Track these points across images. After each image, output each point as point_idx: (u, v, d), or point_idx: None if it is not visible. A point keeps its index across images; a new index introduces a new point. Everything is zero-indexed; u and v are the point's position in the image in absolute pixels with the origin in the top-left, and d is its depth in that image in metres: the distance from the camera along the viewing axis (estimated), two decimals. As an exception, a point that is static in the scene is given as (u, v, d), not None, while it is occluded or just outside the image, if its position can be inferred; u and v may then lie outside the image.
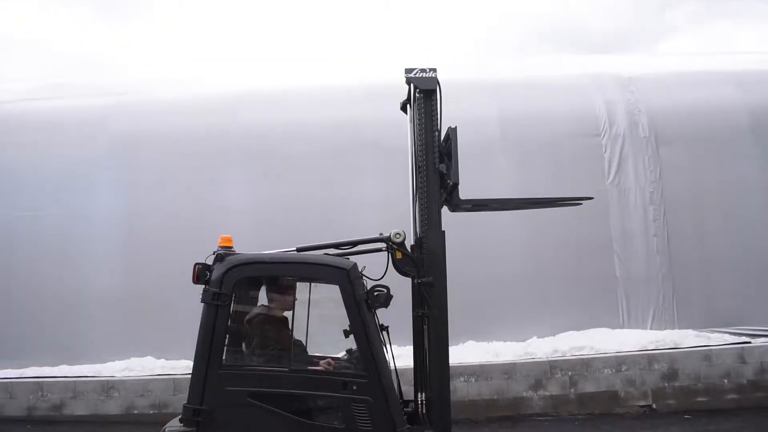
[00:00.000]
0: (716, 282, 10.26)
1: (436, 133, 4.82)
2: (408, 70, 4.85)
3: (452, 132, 4.74)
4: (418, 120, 4.86)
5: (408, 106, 5.15)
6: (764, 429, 8.09)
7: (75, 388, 9.33)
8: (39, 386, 9.37)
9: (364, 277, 4.70)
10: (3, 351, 9.78)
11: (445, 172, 4.74)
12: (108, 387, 9.31)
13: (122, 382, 9.33)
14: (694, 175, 10.52)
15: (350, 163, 10.14)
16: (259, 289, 4.97)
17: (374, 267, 4.82)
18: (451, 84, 10.64)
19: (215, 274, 4.56)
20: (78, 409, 9.26)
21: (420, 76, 4.83)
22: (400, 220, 5.08)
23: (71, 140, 10.44)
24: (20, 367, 9.69)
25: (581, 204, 5.51)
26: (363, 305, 4.53)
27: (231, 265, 4.57)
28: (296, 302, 4.77)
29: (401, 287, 4.90)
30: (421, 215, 4.82)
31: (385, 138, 9.88)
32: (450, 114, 10.20)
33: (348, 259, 4.80)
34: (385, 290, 4.64)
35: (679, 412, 9.16)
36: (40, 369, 9.65)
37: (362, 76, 11.17)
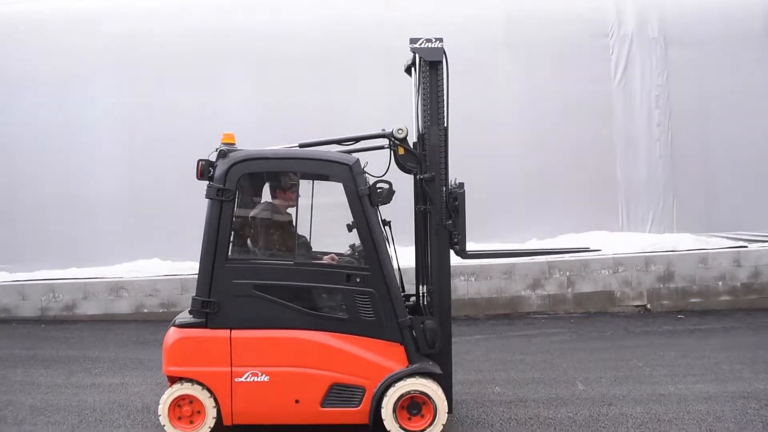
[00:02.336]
0: (717, 187, 10.29)
1: (442, 108, 4.72)
2: (413, 40, 4.71)
3: (460, 195, 4.68)
4: (423, 90, 4.75)
5: (413, 70, 5.01)
6: (754, 329, 8.35)
7: (86, 289, 9.60)
8: (50, 288, 9.63)
9: (366, 173, 4.73)
10: (12, 255, 9.96)
11: (453, 230, 4.71)
12: (118, 287, 9.57)
13: (131, 282, 9.58)
14: (703, 79, 10.31)
15: (350, 63, 9.93)
16: (262, 185, 5.03)
17: (376, 166, 4.85)
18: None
19: (219, 169, 4.61)
20: (89, 309, 9.56)
21: (425, 46, 4.68)
22: (402, 119, 5.03)
23: (66, 43, 10.18)
24: (30, 271, 9.92)
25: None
26: (365, 200, 4.59)
27: (234, 161, 4.61)
28: (299, 198, 4.83)
29: (403, 191, 4.95)
30: (423, 111, 4.78)
31: (384, 38, 9.67)
32: (454, 14, 9.96)
33: (351, 154, 4.82)
34: (388, 185, 4.69)
35: (673, 312, 9.46)
36: (49, 272, 9.88)
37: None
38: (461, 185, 4.75)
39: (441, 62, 4.71)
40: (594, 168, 10.06)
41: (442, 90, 4.73)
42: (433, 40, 4.68)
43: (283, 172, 4.91)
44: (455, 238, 4.73)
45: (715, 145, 10.31)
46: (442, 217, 4.71)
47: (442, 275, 4.76)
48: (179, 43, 10.10)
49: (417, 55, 4.79)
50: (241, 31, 10.08)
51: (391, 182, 4.72)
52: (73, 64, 10.14)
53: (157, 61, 10.06)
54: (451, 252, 4.85)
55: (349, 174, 4.59)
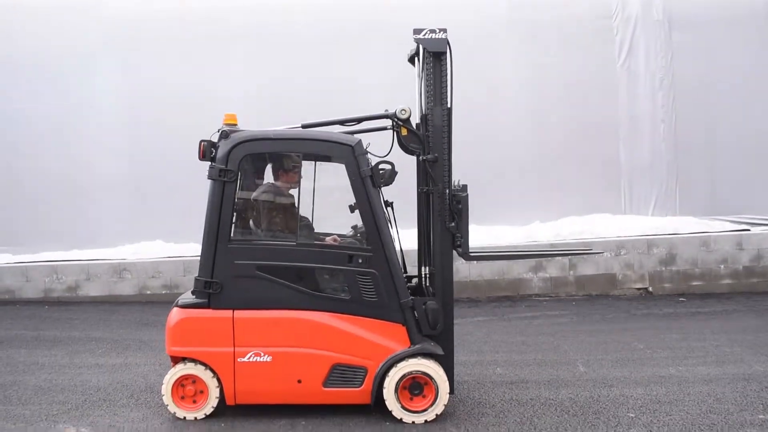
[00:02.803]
0: (720, 170, 10.25)
1: (446, 91, 4.69)
2: (416, 31, 4.65)
3: (464, 199, 4.67)
4: (427, 79, 4.72)
5: (416, 59, 4.97)
6: (755, 312, 8.36)
7: (89, 270, 9.63)
8: (54, 269, 9.67)
9: (369, 154, 4.72)
10: (15, 237, 9.99)
11: (455, 232, 4.71)
12: (120, 269, 9.60)
13: (134, 264, 9.62)
14: (707, 61, 10.24)
15: (352, 43, 9.85)
16: (265, 166, 5.01)
17: (379, 148, 4.83)
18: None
19: (221, 150, 4.59)
20: (92, 290, 9.61)
21: (429, 37, 4.64)
22: (405, 101, 4.98)
23: (67, 26, 10.12)
24: (33, 252, 9.94)
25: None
26: (368, 181, 4.58)
27: (236, 142, 4.59)
28: (302, 179, 4.81)
29: (405, 174, 4.93)
30: (426, 92, 4.75)
31: (386, 17, 9.62)
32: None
33: (353, 135, 4.80)
34: (390, 166, 4.67)
35: (675, 295, 9.48)
36: (52, 254, 9.90)
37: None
38: (464, 187, 4.73)
39: (445, 53, 4.67)
40: (597, 150, 10.03)
41: (446, 78, 4.69)
42: (437, 31, 4.63)
43: (286, 153, 4.90)
44: (458, 241, 4.73)
45: (718, 127, 10.27)
46: (445, 218, 4.71)
47: (444, 256, 4.76)
48: (180, 24, 10.04)
49: (421, 46, 4.74)
50: (243, 12, 10.01)
51: (394, 163, 4.71)
52: (74, 47, 10.09)
53: (158, 42, 10.00)
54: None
55: (351, 155, 4.58)
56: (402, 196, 5.14)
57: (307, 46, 9.88)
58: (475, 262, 9.39)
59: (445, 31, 4.63)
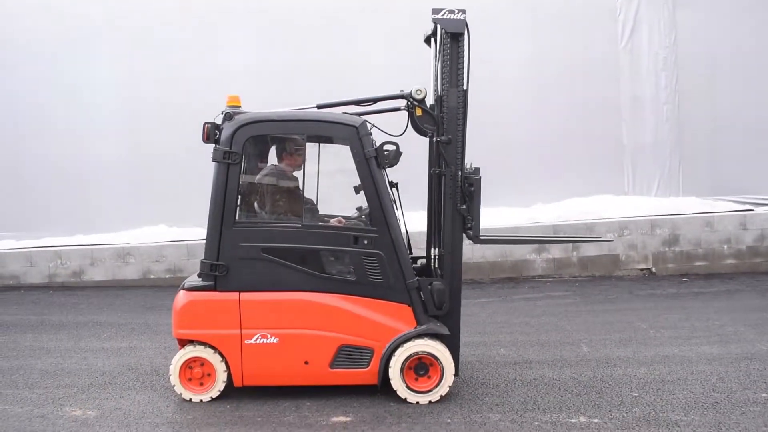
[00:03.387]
0: (724, 151, 10.20)
1: (462, 72, 4.65)
2: (435, 11, 4.61)
3: (476, 182, 4.64)
4: (443, 59, 4.67)
5: (432, 40, 4.92)
6: (759, 292, 8.37)
7: (92, 255, 9.65)
8: (58, 254, 9.69)
9: (380, 131, 4.70)
10: (18, 223, 9.98)
11: (467, 215, 4.69)
12: (124, 253, 9.62)
13: (137, 248, 9.63)
14: (711, 41, 10.16)
15: (359, 23, 9.77)
16: (269, 148, 5.00)
17: (388, 129, 4.80)
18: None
19: (225, 132, 4.58)
20: (96, 275, 9.63)
21: (447, 17, 4.60)
22: (416, 82, 4.92)
23: (67, 10, 10.05)
24: (37, 238, 9.95)
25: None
26: (372, 162, 4.57)
27: (240, 124, 4.57)
28: (306, 160, 4.80)
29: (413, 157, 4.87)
30: (443, 73, 4.71)
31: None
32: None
33: (358, 116, 4.77)
34: (395, 147, 4.65)
35: (678, 275, 9.49)
36: (56, 239, 9.91)
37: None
38: (477, 170, 4.71)
39: (463, 34, 4.63)
40: (600, 131, 9.98)
41: (463, 59, 4.65)
42: (456, 11, 4.59)
43: (289, 135, 4.88)
44: (469, 224, 4.72)
45: (722, 108, 10.21)
46: (456, 200, 4.69)
47: (454, 239, 4.75)
48: (180, 6, 9.97)
49: (438, 26, 4.70)
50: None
51: (398, 144, 4.69)
52: (75, 31, 10.02)
53: (160, 25, 9.93)
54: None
55: (355, 136, 4.56)
56: (410, 178, 5.12)
57: (315, 26, 9.80)
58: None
59: (463, 11, 4.59)
